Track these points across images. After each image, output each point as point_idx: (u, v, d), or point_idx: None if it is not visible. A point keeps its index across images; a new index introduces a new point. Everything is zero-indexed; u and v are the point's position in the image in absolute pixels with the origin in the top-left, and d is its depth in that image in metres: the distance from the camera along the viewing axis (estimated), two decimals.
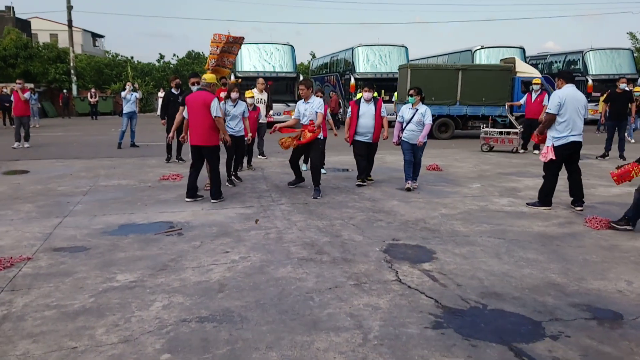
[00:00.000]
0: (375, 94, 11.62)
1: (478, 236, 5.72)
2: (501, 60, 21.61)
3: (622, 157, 12.15)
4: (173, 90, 11.38)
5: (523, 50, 25.06)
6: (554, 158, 6.81)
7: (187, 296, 4.03)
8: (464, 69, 17.70)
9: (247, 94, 9.79)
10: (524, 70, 18.04)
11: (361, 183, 8.63)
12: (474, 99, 17.35)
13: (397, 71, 23.05)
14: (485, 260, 4.89)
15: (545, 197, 7.09)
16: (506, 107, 14.29)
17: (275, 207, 7.11)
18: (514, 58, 18.89)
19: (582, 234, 5.89)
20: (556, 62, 27.55)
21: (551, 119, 6.79)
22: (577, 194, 7.07)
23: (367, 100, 8.44)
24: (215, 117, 7.10)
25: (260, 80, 10.84)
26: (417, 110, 8.26)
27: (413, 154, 8.35)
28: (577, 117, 6.77)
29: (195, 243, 5.45)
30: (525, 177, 9.63)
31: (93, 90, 29.81)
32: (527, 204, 7.23)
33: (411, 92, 8.35)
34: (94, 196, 7.84)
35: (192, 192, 7.48)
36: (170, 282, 4.32)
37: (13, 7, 43.52)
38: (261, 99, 10.68)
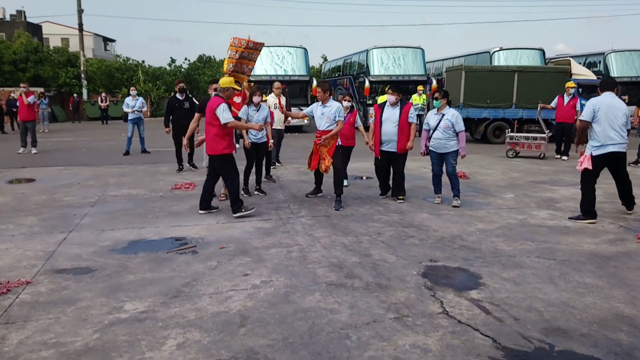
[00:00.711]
0: (410, 96, 11.11)
1: (525, 256, 5.16)
2: (551, 61, 21.01)
3: None
4: (177, 96, 10.72)
5: (543, 52, 24.34)
6: (589, 168, 6.35)
7: (204, 332, 3.51)
8: (520, 70, 17.13)
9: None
10: (580, 72, 17.46)
11: (383, 196, 8.02)
12: (530, 101, 16.61)
13: (415, 74, 22.62)
14: (539, 287, 4.33)
15: (588, 209, 6.55)
16: (538, 108, 13.62)
17: (295, 221, 6.59)
18: (569, 59, 18.34)
19: (637, 253, 5.31)
20: (578, 63, 26.77)
21: (584, 127, 6.40)
22: (627, 200, 6.99)
23: (393, 104, 7.63)
24: (223, 123, 6.58)
25: (277, 84, 10.18)
26: (443, 115, 7.41)
27: (442, 165, 7.61)
28: (615, 126, 6.39)
29: (211, 263, 4.94)
30: (560, 186, 9.03)
31: (103, 94, 29.50)
32: (570, 218, 6.65)
33: (437, 95, 7.59)
34: (102, 207, 7.37)
35: (206, 204, 7.00)
36: (185, 313, 3.81)
37: (24, 12, 43.58)
38: (276, 104, 10.14)
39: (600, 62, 25.09)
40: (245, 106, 7.85)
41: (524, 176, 10.17)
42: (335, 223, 6.49)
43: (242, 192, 7.91)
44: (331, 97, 7.47)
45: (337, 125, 7.29)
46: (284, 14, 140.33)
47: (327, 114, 7.26)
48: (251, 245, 5.53)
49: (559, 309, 3.90)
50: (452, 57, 28.55)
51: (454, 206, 7.36)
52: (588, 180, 6.53)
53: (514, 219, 6.72)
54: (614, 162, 6.57)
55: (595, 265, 4.90)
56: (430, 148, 7.58)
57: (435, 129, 7.42)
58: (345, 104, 8.15)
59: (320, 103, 7.38)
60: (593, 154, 6.48)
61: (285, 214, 6.98)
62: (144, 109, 14.31)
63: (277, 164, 11.18)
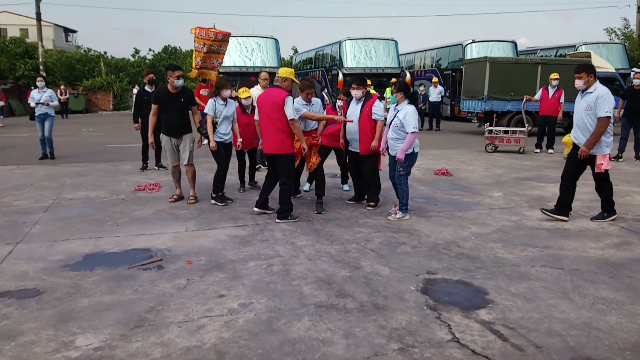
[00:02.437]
0: (372, 89, 10.43)
1: (530, 265, 4.69)
2: (569, 54, 20.89)
3: (638, 157, 11.32)
4: (147, 88, 9.92)
5: (515, 44, 24.32)
6: (609, 168, 6.01)
7: None
8: (543, 62, 17.05)
9: (242, 93, 7.83)
10: (600, 65, 17.30)
11: (351, 202, 7.22)
12: None
13: (388, 67, 22.18)
14: (554, 304, 3.85)
15: (612, 205, 6.31)
16: (524, 100, 13.30)
17: (274, 226, 5.99)
18: (590, 52, 18.22)
19: None
20: (547, 56, 26.81)
21: (607, 125, 5.86)
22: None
23: (358, 99, 6.69)
24: (291, 119, 5.95)
25: (264, 74, 8.56)
26: (397, 112, 6.32)
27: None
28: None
29: (179, 282, 4.30)
30: (547, 183, 8.67)
31: (63, 86, 28.10)
32: (595, 219, 6.30)
33: (392, 88, 6.59)
34: (56, 213, 6.61)
35: (263, 200, 6.58)
36: (150, 349, 3.18)
37: None
38: None
39: (568, 54, 25.13)
40: (211, 100, 7.03)
41: (508, 172, 9.79)
42: (318, 229, 5.92)
43: (216, 200, 7.09)
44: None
45: (319, 123, 6.78)
46: (250, 5, 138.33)
47: (311, 111, 6.64)
48: (225, 257, 4.91)
49: (583, 331, 3.42)
50: (424, 50, 28.30)
51: (388, 218, 6.31)
52: (607, 176, 6.18)
53: (507, 220, 6.28)
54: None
55: (608, 275, 4.46)
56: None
57: (388, 126, 6.43)
58: (355, 92, 6.70)
59: (302, 101, 6.67)
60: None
61: (263, 218, 6.36)
62: (53, 103, 11.55)
63: (262, 167, 10.06)
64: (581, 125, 6.01)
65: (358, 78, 6.84)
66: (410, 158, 6.29)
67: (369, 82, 7.61)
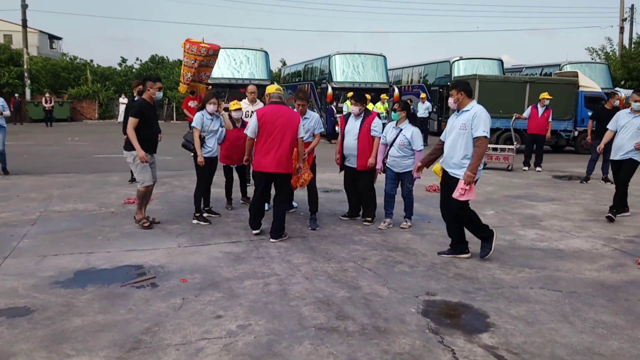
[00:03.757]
0: (371, 105, 10.45)
1: (528, 287, 4.68)
2: (555, 73, 21.25)
3: (605, 179, 11.13)
4: (137, 98, 9.80)
5: (501, 62, 24.61)
6: (472, 198, 5.37)
7: None
8: (531, 81, 17.39)
9: (233, 105, 7.71)
10: (587, 84, 17.71)
11: (345, 217, 7.20)
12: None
13: (377, 82, 22.27)
14: (555, 327, 3.83)
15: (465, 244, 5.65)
16: (513, 118, 13.42)
17: (269, 243, 5.91)
18: (577, 72, 18.65)
19: None
20: (533, 74, 27.21)
21: (486, 145, 5.34)
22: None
23: (356, 115, 6.75)
24: (299, 138, 6.03)
25: (251, 87, 8.35)
26: (400, 130, 6.57)
27: (397, 184, 6.78)
28: None
29: (175, 301, 4.21)
30: (538, 202, 8.72)
31: (47, 94, 27.74)
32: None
33: (395, 106, 6.83)
34: (45, 226, 6.46)
35: (258, 221, 6.28)
36: None
37: None
38: (252, 112, 8.79)
39: (555, 73, 25.52)
40: (199, 113, 6.82)
41: (499, 190, 9.84)
42: (313, 246, 5.85)
43: (198, 220, 6.83)
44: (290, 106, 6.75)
45: (315, 138, 6.69)
46: (237, 17, 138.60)
47: (306, 125, 6.60)
48: (221, 275, 4.82)
49: (586, 357, 3.40)
50: (412, 66, 28.53)
51: (402, 227, 6.70)
52: (466, 206, 5.48)
53: (502, 240, 6.27)
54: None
55: (605, 298, 4.46)
56: (386, 165, 6.76)
57: (391, 144, 6.61)
58: (353, 108, 6.79)
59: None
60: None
61: (257, 234, 6.28)
62: (5, 112, 10.44)
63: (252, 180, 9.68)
64: (451, 149, 5.39)
65: (357, 94, 6.83)
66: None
67: (368, 97, 7.49)
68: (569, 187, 10.35)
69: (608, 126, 7.73)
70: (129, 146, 6.36)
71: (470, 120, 5.21)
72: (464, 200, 5.22)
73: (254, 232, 6.20)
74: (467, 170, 5.17)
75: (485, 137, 5.17)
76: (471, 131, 5.21)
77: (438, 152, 5.66)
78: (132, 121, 6.27)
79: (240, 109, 7.63)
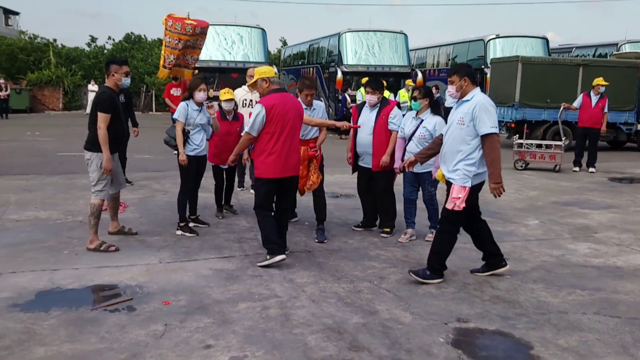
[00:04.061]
0: (388, 93, 10.48)
1: (579, 312, 4.68)
2: (614, 54, 21.04)
3: None
4: (101, 87, 9.85)
5: (546, 40, 24.59)
6: (462, 207, 5.26)
7: None
8: (585, 64, 17.13)
9: (224, 94, 7.64)
10: None
11: (358, 228, 7.22)
12: None
13: (397, 65, 22.33)
14: None
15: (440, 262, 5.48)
16: (561, 109, 13.38)
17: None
18: None
19: None
20: (585, 56, 27.18)
21: (498, 144, 5.22)
22: None
23: (372, 106, 6.75)
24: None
25: (251, 71, 7.88)
26: (421, 121, 6.54)
27: (417, 187, 6.79)
28: None
29: (155, 327, 4.24)
30: (592, 209, 8.71)
31: (2, 81, 27.94)
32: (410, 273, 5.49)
33: (415, 93, 6.71)
34: (0, 239, 6.51)
35: (281, 244, 5.94)
36: None
37: None
38: (252, 101, 8.54)
39: (612, 53, 25.49)
40: (183, 103, 6.80)
41: (544, 195, 9.84)
42: (321, 262, 5.88)
43: (216, 216, 6.95)
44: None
45: (321, 132, 6.73)
46: None
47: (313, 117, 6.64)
48: (210, 297, 4.85)
49: None
50: (438, 45, 28.57)
51: (427, 240, 6.59)
52: (456, 219, 5.39)
53: (549, 255, 6.28)
54: None
55: None
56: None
57: (410, 138, 6.56)
58: (370, 97, 6.71)
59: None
60: None
61: (253, 248, 6.32)
62: None
63: (239, 189, 9.49)
64: (448, 148, 5.30)
65: (373, 80, 6.82)
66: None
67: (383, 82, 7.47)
68: (629, 191, 10.33)
69: None
70: (94, 146, 6.03)
71: (470, 113, 5.10)
72: (456, 210, 5.16)
73: (282, 257, 5.71)
74: (491, 182, 5.19)
75: (495, 134, 5.07)
76: (472, 126, 5.12)
77: (437, 147, 5.59)
78: (103, 118, 5.98)
79: (232, 99, 7.65)
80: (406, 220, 6.88)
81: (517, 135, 14.02)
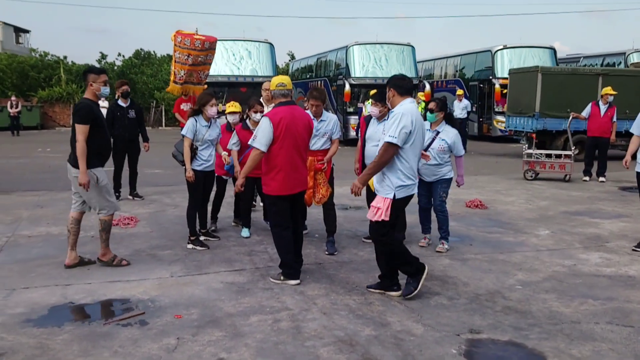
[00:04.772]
0: None
1: (592, 322, 4.65)
2: (632, 64, 20.95)
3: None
4: (120, 102, 9.93)
5: (554, 51, 24.66)
6: (385, 219, 5.08)
7: None
8: (604, 74, 17.07)
9: (230, 107, 7.75)
10: None
11: (368, 240, 6.99)
12: (617, 111, 16.36)
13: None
14: None
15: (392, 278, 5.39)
16: (570, 118, 13.35)
17: (278, 272, 5.94)
18: None
19: None
20: (592, 65, 27.15)
21: (390, 153, 5.05)
22: None
23: (378, 118, 6.63)
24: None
25: (267, 84, 7.68)
26: (437, 133, 6.74)
27: (431, 197, 6.94)
28: None
29: (168, 341, 4.25)
30: (603, 219, 8.67)
31: (14, 98, 28.24)
32: (370, 287, 5.46)
33: (431, 105, 6.89)
34: (13, 254, 6.57)
35: (298, 266, 5.79)
36: None
37: None
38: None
39: (620, 62, 25.47)
40: (191, 119, 6.77)
41: (554, 205, 9.80)
42: (331, 274, 5.89)
43: (194, 245, 6.83)
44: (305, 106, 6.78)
45: (332, 144, 6.74)
46: (232, 3, 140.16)
47: (322, 129, 6.65)
48: (222, 310, 4.86)
49: None
50: (445, 57, 28.67)
51: (438, 251, 6.75)
52: (385, 231, 5.21)
53: (560, 265, 6.26)
54: None
55: None
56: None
57: (425, 150, 6.54)
58: (372, 109, 6.69)
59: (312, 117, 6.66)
60: None
61: (263, 261, 6.33)
62: None
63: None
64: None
65: (379, 94, 6.83)
66: (450, 183, 6.91)
67: None
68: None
69: (632, 130, 7.43)
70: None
71: (390, 123, 5.08)
72: (380, 222, 5.03)
73: (296, 282, 5.58)
74: (357, 180, 5.17)
75: (390, 143, 4.93)
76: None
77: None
78: (81, 130, 5.70)
79: (238, 112, 7.66)
80: (423, 226, 7.13)
81: (526, 145, 13.98)
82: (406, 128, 4.93)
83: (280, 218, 5.69)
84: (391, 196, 5.01)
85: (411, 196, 5.20)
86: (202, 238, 7.05)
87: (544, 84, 16.55)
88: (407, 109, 5.05)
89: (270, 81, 6.77)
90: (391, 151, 4.96)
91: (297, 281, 5.59)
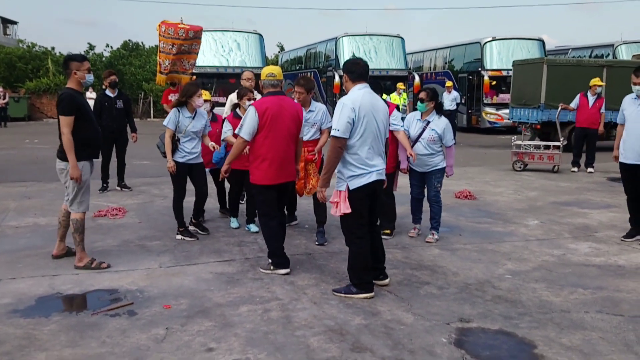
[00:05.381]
0: (384, 96, 10.50)
1: (582, 311, 4.65)
2: (634, 55, 20.98)
3: None
4: (108, 92, 9.84)
5: (542, 42, 24.69)
6: (347, 212, 4.93)
7: None
8: (608, 65, 17.10)
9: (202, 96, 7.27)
10: None
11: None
12: (619, 102, 16.23)
13: (394, 68, 22.37)
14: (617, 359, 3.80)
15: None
16: (559, 109, 13.36)
17: (268, 262, 5.90)
18: None
19: None
20: (581, 57, 27.23)
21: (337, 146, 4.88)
22: None
23: None
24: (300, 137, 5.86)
25: (248, 74, 7.89)
26: (427, 123, 6.69)
27: (424, 187, 6.93)
28: None
29: (157, 331, 4.20)
30: (591, 209, 8.69)
31: (1, 89, 27.91)
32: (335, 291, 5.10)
33: (422, 95, 6.83)
34: (0, 245, 6.49)
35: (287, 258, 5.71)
36: None
37: None
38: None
39: (608, 54, 25.55)
40: (174, 110, 6.65)
41: (543, 195, 9.82)
42: (321, 264, 5.86)
43: (183, 235, 6.76)
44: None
45: (322, 135, 6.68)
46: None
47: (311, 119, 6.59)
48: (211, 300, 4.82)
49: None
50: (435, 49, 28.64)
51: (427, 242, 6.73)
52: (353, 224, 5.01)
53: (549, 255, 6.26)
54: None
55: None
56: (410, 165, 6.82)
57: (416, 140, 6.69)
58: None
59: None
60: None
61: (253, 251, 6.29)
62: None
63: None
64: None
65: (371, 84, 6.77)
66: (443, 173, 6.87)
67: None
68: None
69: (618, 120, 7.34)
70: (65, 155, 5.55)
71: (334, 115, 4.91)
72: (351, 219, 4.89)
73: (286, 271, 5.54)
74: (318, 186, 5.12)
75: (335, 137, 4.80)
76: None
77: None
78: (65, 121, 5.45)
79: (208, 100, 7.47)
80: (414, 216, 7.10)
81: (515, 137, 13.98)
82: (348, 118, 4.72)
83: (267, 208, 5.65)
84: (344, 188, 4.88)
85: (370, 185, 4.88)
86: (191, 228, 6.97)
87: (550, 75, 16.60)
88: (350, 98, 4.84)
89: (251, 71, 6.70)
90: (337, 144, 4.79)
91: (287, 270, 5.54)
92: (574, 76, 16.54)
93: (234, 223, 7.37)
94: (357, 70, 5.00)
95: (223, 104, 8.47)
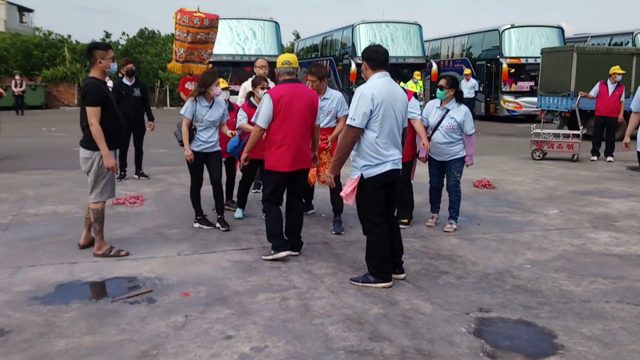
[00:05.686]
0: (403, 84, 10.42)
1: (602, 301, 4.61)
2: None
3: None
4: (125, 80, 9.86)
5: (562, 30, 24.40)
6: (349, 204, 5.10)
7: None
8: (638, 53, 16.86)
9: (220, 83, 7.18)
10: None
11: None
12: None
13: (411, 56, 22.22)
14: (638, 350, 3.77)
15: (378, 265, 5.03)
16: (578, 97, 13.22)
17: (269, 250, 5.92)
18: None
19: None
20: (600, 45, 26.87)
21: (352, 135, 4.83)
22: None
23: None
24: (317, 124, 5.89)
25: (261, 61, 7.94)
26: (447, 111, 6.62)
27: (443, 176, 6.90)
28: None
29: (176, 319, 4.24)
30: (612, 198, 8.60)
31: (18, 77, 28.14)
32: (353, 280, 5.10)
33: (442, 82, 6.77)
34: (18, 233, 6.55)
35: (285, 239, 5.77)
36: None
37: None
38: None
39: (628, 42, 25.18)
40: (191, 99, 6.65)
41: (563, 185, 9.73)
42: (339, 253, 5.86)
43: (201, 224, 6.79)
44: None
45: (338, 123, 6.65)
46: None
47: (326, 107, 6.56)
48: (230, 288, 4.85)
49: None
50: (452, 36, 28.40)
51: (446, 231, 6.68)
52: (368, 215, 5.04)
53: (569, 244, 6.21)
54: None
55: None
56: (430, 154, 6.77)
57: (435, 128, 6.65)
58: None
59: None
60: None
61: None
62: None
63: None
64: None
65: (390, 72, 6.72)
66: (463, 162, 6.80)
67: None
68: None
69: (632, 106, 7.26)
70: (93, 144, 5.46)
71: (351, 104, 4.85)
72: (369, 209, 4.90)
73: (286, 253, 5.59)
74: (327, 171, 5.12)
75: (350, 126, 4.74)
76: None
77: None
78: (93, 112, 5.41)
79: (226, 88, 7.43)
80: (432, 205, 7.06)
81: (534, 125, 13.85)
82: (366, 108, 4.65)
83: (273, 193, 5.72)
84: (356, 177, 4.84)
85: (385, 174, 4.81)
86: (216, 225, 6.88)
87: (579, 64, 16.41)
88: (369, 87, 4.78)
89: (264, 59, 6.66)
90: (352, 134, 4.75)
91: (287, 252, 5.59)
92: (603, 64, 16.29)
93: (238, 213, 7.34)
94: (377, 58, 4.94)
95: (237, 93, 8.45)
